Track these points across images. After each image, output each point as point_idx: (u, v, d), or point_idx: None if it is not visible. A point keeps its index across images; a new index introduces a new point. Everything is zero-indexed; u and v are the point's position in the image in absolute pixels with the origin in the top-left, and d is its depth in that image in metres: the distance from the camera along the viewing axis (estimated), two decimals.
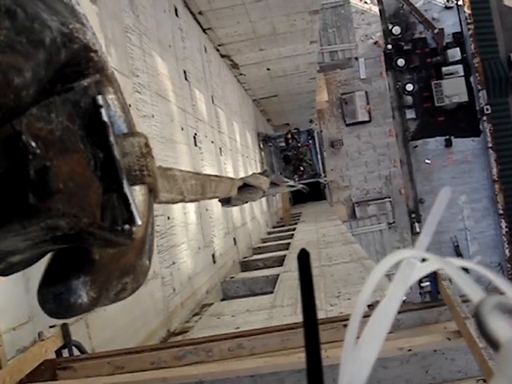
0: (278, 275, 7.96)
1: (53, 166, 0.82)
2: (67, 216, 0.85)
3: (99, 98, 0.96)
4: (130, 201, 0.98)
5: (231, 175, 11.10)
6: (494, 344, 0.57)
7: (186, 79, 7.96)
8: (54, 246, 0.96)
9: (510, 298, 0.62)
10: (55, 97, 0.87)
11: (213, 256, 7.97)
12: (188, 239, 6.68)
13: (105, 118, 0.95)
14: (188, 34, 8.67)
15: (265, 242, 13.59)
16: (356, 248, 9.33)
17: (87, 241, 0.94)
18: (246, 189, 3.95)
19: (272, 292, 7.50)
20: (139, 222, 1.00)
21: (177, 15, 8.09)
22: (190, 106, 7.96)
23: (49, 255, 1.02)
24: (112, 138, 0.96)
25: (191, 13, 9.16)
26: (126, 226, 0.99)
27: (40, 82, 0.82)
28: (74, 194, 0.86)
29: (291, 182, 13.68)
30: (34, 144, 0.79)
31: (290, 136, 20.00)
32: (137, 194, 1.08)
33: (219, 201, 4.51)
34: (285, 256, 10.01)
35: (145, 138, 1.10)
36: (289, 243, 12.08)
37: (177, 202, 1.64)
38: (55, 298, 0.98)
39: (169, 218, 5.88)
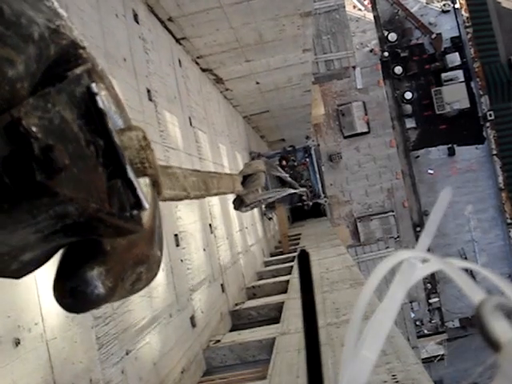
0: (274, 339, 6.37)
1: (55, 148, 0.82)
2: (75, 201, 0.85)
3: (93, 85, 0.96)
4: (136, 185, 0.98)
5: (217, 206, 9.57)
6: (494, 345, 0.57)
7: (150, 100, 6.41)
8: (64, 239, 0.95)
9: (511, 300, 0.62)
10: (50, 88, 0.87)
11: (191, 319, 6.36)
12: (152, 310, 5.09)
13: (101, 105, 0.95)
14: (154, 45, 7.13)
15: (261, 279, 11.99)
16: None
17: (97, 229, 0.94)
18: (248, 180, 3.90)
19: (266, 360, 5.96)
20: (147, 206, 1.00)
21: (137, 22, 6.55)
22: (156, 133, 6.40)
23: (60, 253, 1.01)
24: (110, 125, 0.96)
25: (159, 19, 7.63)
26: (135, 212, 1.01)
27: (33, 77, 0.85)
28: (79, 179, 0.87)
29: (284, 174, 12.41)
30: (34, 129, 0.80)
31: (285, 163, 18.45)
32: (141, 186, 1.06)
33: (235, 209, 4.48)
34: (283, 304, 8.45)
35: (142, 132, 1.12)
36: (287, 281, 10.56)
37: (182, 199, 1.69)
38: (72, 292, 0.97)
39: None
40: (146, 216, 1.07)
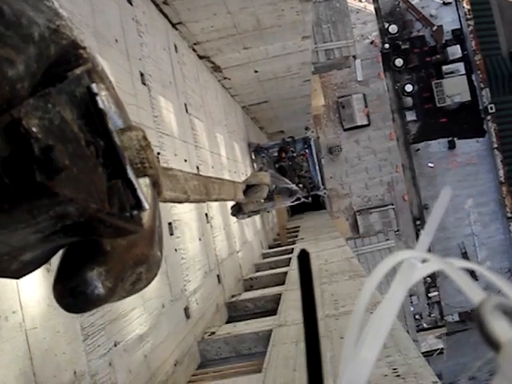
0: (271, 332, 6.18)
1: (55, 148, 0.81)
2: (75, 201, 0.85)
3: (93, 86, 0.96)
4: (136, 186, 0.98)
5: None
6: (494, 345, 0.57)
7: (143, 83, 6.19)
8: (64, 240, 0.94)
9: (511, 299, 0.62)
10: (50, 88, 0.87)
11: (186, 310, 6.16)
12: (144, 300, 4.89)
13: (101, 105, 0.95)
14: (149, 28, 6.91)
15: (258, 271, 11.80)
16: None
17: (97, 230, 0.94)
18: (250, 190, 3.85)
19: (263, 353, 5.77)
20: (147, 207, 1.01)
21: (130, 3, 6.33)
22: (149, 118, 6.19)
23: (60, 253, 1.00)
24: (110, 125, 0.96)
25: (153, 2, 7.40)
26: (135, 212, 1.01)
27: (33, 77, 0.85)
28: (79, 179, 0.86)
29: (291, 185, 12.34)
30: (34, 129, 0.79)
31: (283, 154, 18.24)
32: (141, 187, 1.05)
33: (232, 215, 4.55)
34: (280, 295, 8.26)
35: (142, 132, 1.11)
36: (285, 273, 10.37)
37: (182, 202, 1.68)
38: (72, 292, 0.97)
39: None
40: (146, 216, 1.08)
